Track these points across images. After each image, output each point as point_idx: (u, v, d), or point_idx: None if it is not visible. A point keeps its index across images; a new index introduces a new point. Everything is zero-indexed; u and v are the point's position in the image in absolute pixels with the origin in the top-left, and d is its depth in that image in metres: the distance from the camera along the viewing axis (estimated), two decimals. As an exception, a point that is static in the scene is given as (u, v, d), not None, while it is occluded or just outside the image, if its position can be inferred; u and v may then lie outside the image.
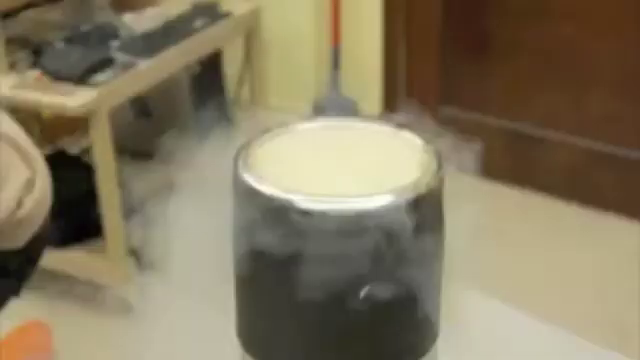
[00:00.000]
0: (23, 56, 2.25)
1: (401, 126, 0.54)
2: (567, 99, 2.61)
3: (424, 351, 0.52)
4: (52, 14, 2.52)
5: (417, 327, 0.51)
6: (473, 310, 0.68)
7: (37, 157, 0.72)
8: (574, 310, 2.14)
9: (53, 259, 2.18)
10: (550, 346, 0.81)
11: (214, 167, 0.54)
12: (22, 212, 0.69)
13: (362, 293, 0.47)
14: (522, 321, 0.84)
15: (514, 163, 2.74)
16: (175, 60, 2.36)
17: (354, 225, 0.47)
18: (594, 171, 2.61)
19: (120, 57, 2.23)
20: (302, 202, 0.47)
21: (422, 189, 0.48)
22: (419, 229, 0.48)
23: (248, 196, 0.49)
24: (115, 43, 2.29)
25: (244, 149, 0.52)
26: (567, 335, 0.82)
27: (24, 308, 1.22)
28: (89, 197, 2.19)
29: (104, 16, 2.44)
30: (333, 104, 2.85)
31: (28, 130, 0.73)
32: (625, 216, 2.54)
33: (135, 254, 2.14)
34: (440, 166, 0.51)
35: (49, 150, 2.46)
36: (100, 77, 2.14)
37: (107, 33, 2.33)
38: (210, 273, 0.57)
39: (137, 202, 2.17)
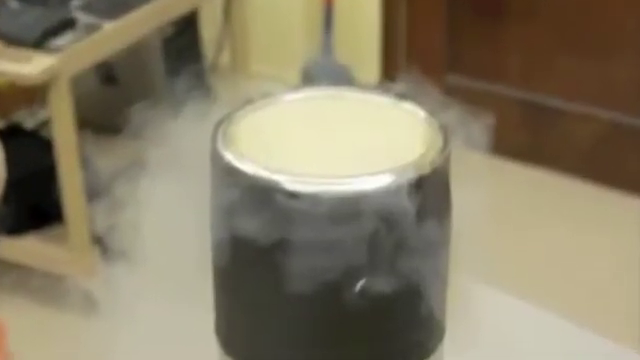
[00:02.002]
0: (-28, 16, 2.24)
1: (402, 97, 0.54)
2: (589, 66, 2.61)
3: (429, 352, 0.52)
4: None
5: (420, 325, 0.51)
6: (481, 305, 0.68)
7: (-12, 132, 0.72)
8: (591, 301, 2.15)
9: (6, 247, 2.18)
10: (563, 344, 0.81)
11: (190, 143, 0.54)
12: (-29, 194, 0.69)
13: (358, 286, 0.47)
14: (534, 317, 0.84)
15: (529, 138, 2.75)
16: (145, 21, 2.35)
17: (349, 209, 0.47)
18: (618, 147, 2.62)
19: (83, 18, 2.22)
20: (289, 183, 0.47)
21: (426, 168, 0.48)
22: (422, 213, 0.48)
23: (228, 176, 0.49)
24: (77, 2, 2.28)
25: (224, 123, 0.52)
26: (582, 332, 0.82)
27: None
28: (47, 177, 2.18)
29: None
30: (325, 71, 2.84)
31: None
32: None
33: (100, 242, 2.13)
34: (446, 142, 0.51)
35: (2, 124, 2.45)
36: (60, 41, 2.13)
37: (68, -10, 2.32)
38: (186, 263, 0.57)
39: (103, 183, 2.18)
